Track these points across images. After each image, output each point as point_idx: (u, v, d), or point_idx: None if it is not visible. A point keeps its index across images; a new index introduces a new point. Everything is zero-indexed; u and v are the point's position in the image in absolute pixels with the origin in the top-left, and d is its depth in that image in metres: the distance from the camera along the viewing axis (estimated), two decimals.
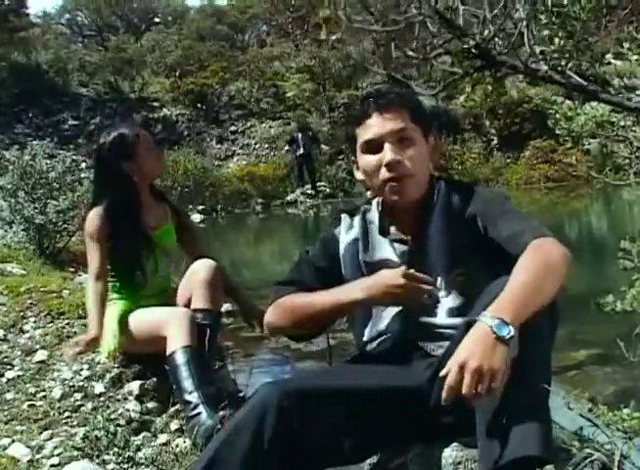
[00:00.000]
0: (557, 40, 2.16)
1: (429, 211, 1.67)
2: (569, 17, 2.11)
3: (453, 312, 1.64)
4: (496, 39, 2.38)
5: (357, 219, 1.77)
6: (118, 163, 2.75)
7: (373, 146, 1.64)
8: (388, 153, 1.61)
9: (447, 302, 1.65)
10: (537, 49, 2.26)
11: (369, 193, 1.82)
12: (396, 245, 1.71)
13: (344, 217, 1.76)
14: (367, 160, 1.66)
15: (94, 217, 2.73)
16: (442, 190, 1.69)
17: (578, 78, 2.23)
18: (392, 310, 1.71)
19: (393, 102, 1.66)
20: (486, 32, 2.37)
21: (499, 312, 1.30)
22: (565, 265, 1.41)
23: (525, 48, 2.30)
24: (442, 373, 1.29)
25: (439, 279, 1.64)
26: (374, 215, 1.76)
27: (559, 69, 2.22)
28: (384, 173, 1.63)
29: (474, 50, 2.37)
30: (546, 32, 2.22)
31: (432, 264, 1.66)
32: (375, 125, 1.64)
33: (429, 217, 1.67)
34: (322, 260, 1.78)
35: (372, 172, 1.65)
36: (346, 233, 1.75)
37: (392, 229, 1.73)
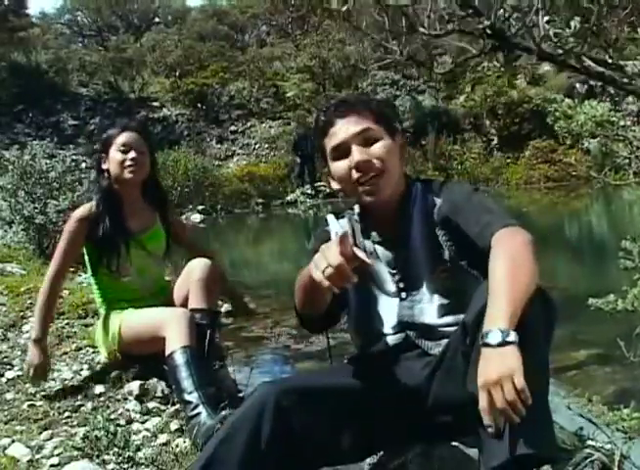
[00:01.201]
0: (573, 23, 2.14)
1: (407, 214, 1.69)
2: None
3: (444, 311, 1.65)
4: (511, 20, 2.35)
5: (344, 221, 1.79)
6: (101, 160, 2.78)
7: (341, 151, 1.66)
8: (355, 154, 1.63)
9: (436, 300, 1.66)
10: (551, 32, 2.24)
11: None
12: (379, 249, 1.73)
13: (331, 217, 1.78)
14: (337, 165, 1.67)
15: (75, 219, 2.72)
16: (419, 191, 1.71)
17: (594, 64, 2.21)
18: (390, 311, 1.72)
19: (355, 106, 1.68)
20: (501, 12, 2.35)
21: (491, 325, 1.31)
22: (530, 251, 1.43)
23: (540, 30, 2.27)
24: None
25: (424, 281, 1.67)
26: (357, 219, 1.79)
27: (573, 53, 2.20)
28: (354, 175, 1.64)
29: (488, 30, 2.35)
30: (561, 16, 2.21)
31: (416, 265, 1.67)
32: (339, 131, 1.66)
33: (408, 219, 1.69)
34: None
35: (344, 177, 1.66)
36: (335, 229, 1.76)
37: (375, 231, 1.75)
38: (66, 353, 3.04)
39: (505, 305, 1.32)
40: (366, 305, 1.74)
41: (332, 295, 1.55)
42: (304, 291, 1.59)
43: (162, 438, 2.29)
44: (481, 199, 1.63)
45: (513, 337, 1.29)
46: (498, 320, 1.31)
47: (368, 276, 1.73)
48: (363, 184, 1.64)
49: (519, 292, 1.34)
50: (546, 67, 18.19)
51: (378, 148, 1.64)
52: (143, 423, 2.42)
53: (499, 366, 1.27)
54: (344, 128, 1.65)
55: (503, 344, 1.28)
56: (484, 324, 1.33)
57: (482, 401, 1.28)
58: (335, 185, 1.73)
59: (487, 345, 1.30)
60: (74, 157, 6.78)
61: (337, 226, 1.73)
